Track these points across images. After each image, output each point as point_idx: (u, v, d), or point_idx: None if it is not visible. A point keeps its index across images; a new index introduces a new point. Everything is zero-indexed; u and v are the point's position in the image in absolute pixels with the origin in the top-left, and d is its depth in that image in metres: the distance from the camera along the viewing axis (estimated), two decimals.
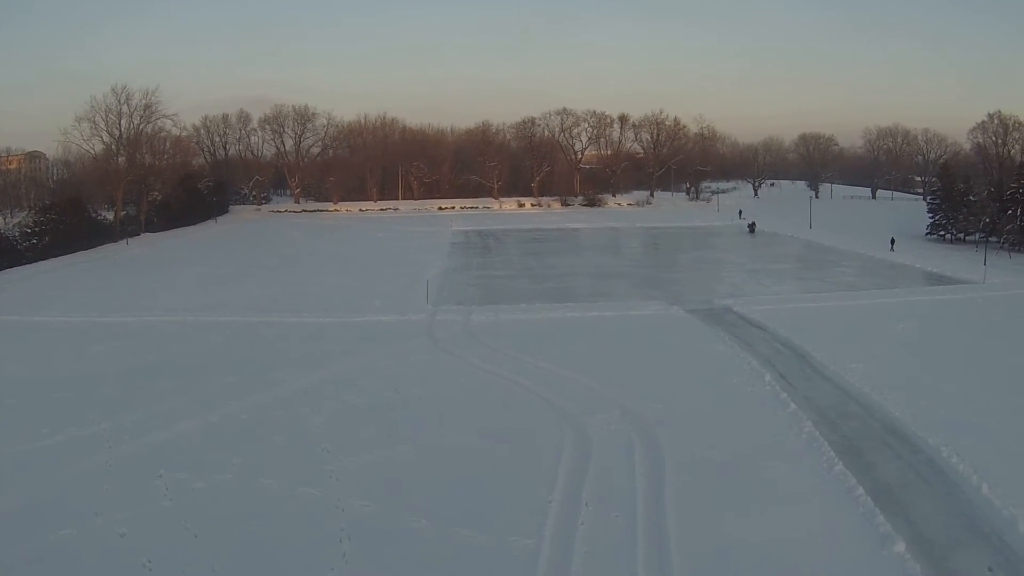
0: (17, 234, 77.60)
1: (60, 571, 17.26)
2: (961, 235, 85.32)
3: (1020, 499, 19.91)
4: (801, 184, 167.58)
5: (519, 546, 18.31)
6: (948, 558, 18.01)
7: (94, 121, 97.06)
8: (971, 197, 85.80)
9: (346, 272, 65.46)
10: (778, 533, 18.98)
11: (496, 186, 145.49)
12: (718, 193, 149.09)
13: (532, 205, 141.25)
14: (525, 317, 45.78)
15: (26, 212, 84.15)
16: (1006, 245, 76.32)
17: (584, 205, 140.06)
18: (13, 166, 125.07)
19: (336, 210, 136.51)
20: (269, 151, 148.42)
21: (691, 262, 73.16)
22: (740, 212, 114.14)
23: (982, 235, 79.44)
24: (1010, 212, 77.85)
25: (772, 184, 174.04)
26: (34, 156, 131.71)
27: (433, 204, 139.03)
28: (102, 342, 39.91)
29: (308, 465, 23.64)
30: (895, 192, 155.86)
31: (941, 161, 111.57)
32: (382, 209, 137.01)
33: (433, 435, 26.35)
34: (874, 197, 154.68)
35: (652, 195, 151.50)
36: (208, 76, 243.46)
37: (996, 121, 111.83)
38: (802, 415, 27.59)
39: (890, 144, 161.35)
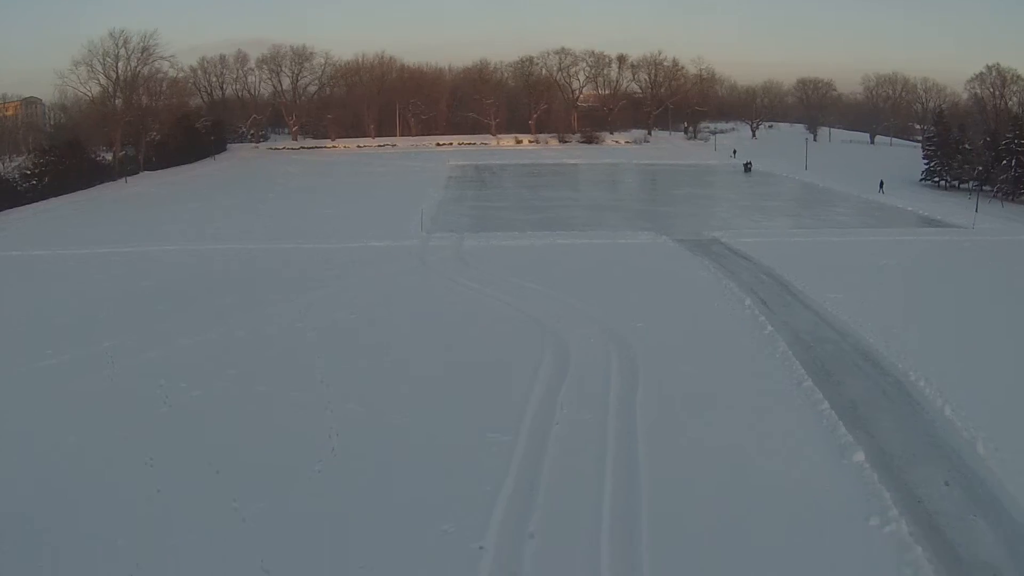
0: (17, 176, 77.68)
1: (65, 473, 18.05)
2: (955, 182, 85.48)
3: (981, 423, 20.41)
4: (799, 127, 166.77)
5: (497, 441, 19.33)
6: (906, 471, 18.58)
7: (91, 64, 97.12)
8: (966, 145, 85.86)
9: (342, 204, 65.99)
10: (740, 439, 19.84)
11: (494, 123, 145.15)
12: (716, 134, 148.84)
13: (530, 142, 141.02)
14: (516, 243, 46.63)
15: (24, 156, 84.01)
16: (999, 194, 76.61)
17: (582, 142, 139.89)
18: (9, 113, 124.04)
19: (334, 147, 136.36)
20: (266, 91, 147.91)
21: (684, 198, 73.74)
22: (735, 152, 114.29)
23: (975, 183, 79.69)
24: (1004, 162, 77.92)
25: (770, 126, 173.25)
26: (30, 102, 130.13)
27: (431, 141, 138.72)
28: (102, 271, 40.52)
29: (300, 374, 24.62)
30: (894, 139, 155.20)
31: (938, 109, 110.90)
32: (380, 146, 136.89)
33: (420, 346, 27.43)
34: (872, 142, 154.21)
35: (650, 134, 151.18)
36: (205, 20, 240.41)
37: (994, 73, 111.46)
38: (777, 337, 28.40)
39: (889, 92, 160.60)
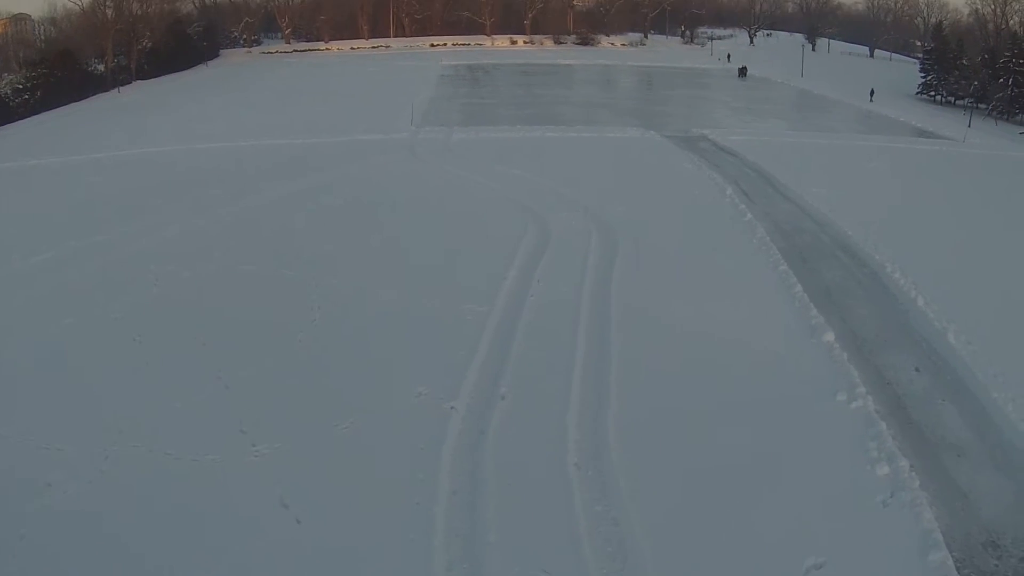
0: (9, 91, 76.43)
1: (63, 351, 18.45)
2: (951, 98, 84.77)
3: (955, 316, 20.55)
4: (799, 37, 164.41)
5: (472, 311, 19.80)
6: (876, 354, 18.94)
7: None
8: (964, 61, 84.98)
9: (334, 102, 65.07)
10: (712, 314, 20.24)
11: (488, 23, 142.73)
12: (713, 40, 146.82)
13: (525, 42, 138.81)
14: (505, 136, 46.52)
15: (16, 72, 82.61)
16: (993, 112, 76.24)
17: (577, 44, 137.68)
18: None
19: (327, 49, 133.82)
20: None
21: (676, 98, 73.22)
22: (728, 56, 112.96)
23: (971, 100, 79.08)
24: (1001, 80, 77.24)
25: (768, 34, 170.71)
26: (19, 18, 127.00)
27: (425, 41, 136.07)
28: (97, 174, 39.95)
29: (286, 253, 24.99)
30: (893, 54, 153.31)
31: (938, 22, 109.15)
32: (373, 47, 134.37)
33: (405, 225, 27.88)
34: (872, 56, 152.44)
35: (646, 37, 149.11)
36: None
37: None
38: (757, 224, 28.66)
39: (891, 4, 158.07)
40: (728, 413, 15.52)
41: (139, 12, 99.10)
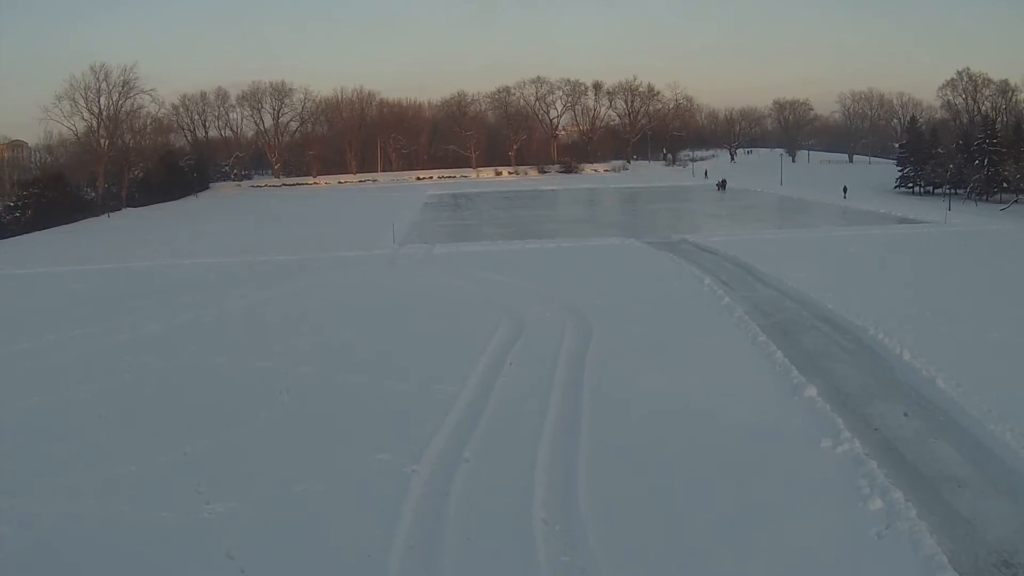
0: (0, 208, 77.93)
1: (30, 427, 18.39)
2: (929, 188, 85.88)
3: (943, 365, 20.11)
4: (779, 151, 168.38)
5: (442, 391, 19.32)
6: (862, 406, 18.44)
7: (73, 99, 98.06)
8: (939, 150, 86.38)
9: (318, 226, 66.16)
10: (688, 384, 19.68)
11: (474, 156, 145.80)
12: (695, 160, 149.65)
13: (509, 173, 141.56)
14: (485, 248, 46.67)
15: (9, 195, 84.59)
16: (972, 195, 77.11)
17: (561, 172, 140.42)
18: None
19: (316, 183, 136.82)
20: (249, 130, 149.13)
21: (656, 211, 74.04)
22: (706, 172, 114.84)
23: (949, 187, 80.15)
24: (977, 162, 78.36)
25: (749, 151, 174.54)
26: (16, 145, 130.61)
27: (411, 175, 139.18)
28: (82, 282, 40.53)
29: (260, 347, 24.83)
30: (873, 158, 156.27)
31: (910, 116, 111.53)
32: (361, 180, 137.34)
33: (379, 322, 27.75)
34: (851, 161, 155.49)
35: (629, 162, 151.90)
36: (183, 60, 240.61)
37: (965, 79, 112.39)
38: (735, 306, 28.33)
39: (866, 109, 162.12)
40: (708, 473, 14.81)
41: (132, 144, 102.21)
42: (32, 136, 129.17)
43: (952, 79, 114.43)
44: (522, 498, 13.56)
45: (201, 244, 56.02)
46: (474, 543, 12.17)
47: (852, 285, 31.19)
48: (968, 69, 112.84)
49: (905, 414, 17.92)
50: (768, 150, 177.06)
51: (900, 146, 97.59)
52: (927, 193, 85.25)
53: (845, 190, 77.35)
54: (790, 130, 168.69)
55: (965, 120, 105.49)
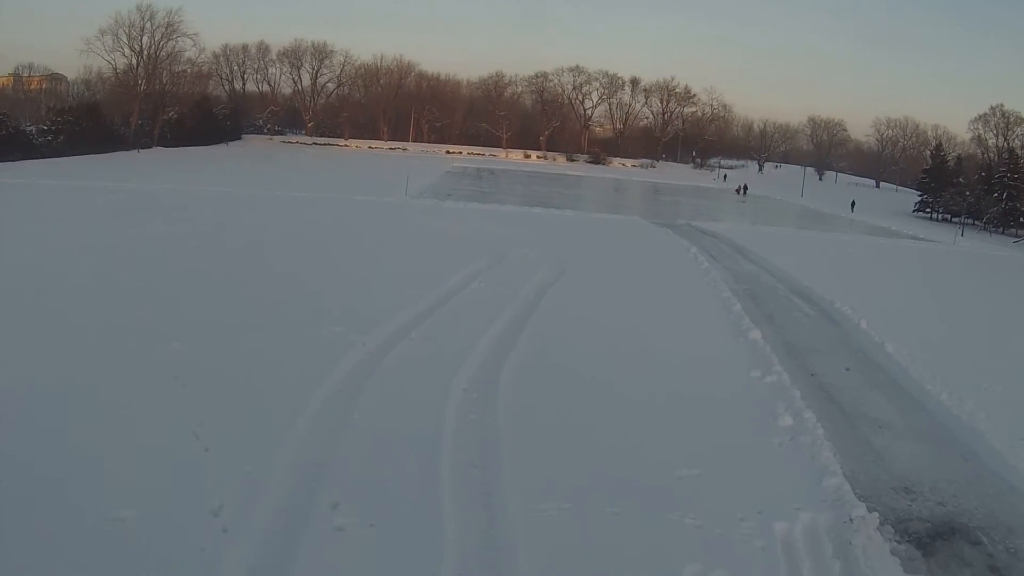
0: (33, 130, 79.22)
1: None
2: (948, 216, 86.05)
3: (897, 336, 20.39)
4: (808, 169, 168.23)
5: (412, 293, 20.34)
6: (807, 356, 18.85)
7: (116, 35, 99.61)
8: (960, 179, 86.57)
9: (338, 176, 67.82)
10: (640, 320, 20.38)
11: (505, 136, 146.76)
12: (723, 168, 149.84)
13: (538, 157, 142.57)
14: (493, 209, 47.79)
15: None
16: (988, 226, 77.36)
17: (589, 162, 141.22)
18: (34, 86, 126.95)
19: (347, 145, 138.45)
20: (286, 87, 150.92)
21: (669, 202, 74.83)
22: (725, 176, 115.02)
23: (965, 216, 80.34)
24: (996, 195, 78.63)
25: (777, 166, 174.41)
26: (55, 78, 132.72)
27: (441, 148, 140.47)
28: (102, 197, 41.04)
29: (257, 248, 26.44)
30: (900, 186, 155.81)
31: (937, 142, 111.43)
32: (391, 148, 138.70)
33: (372, 241, 29.74)
34: (878, 186, 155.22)
35: (657, 161, 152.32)
36: (228, 15, 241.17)
37: (998, 115, 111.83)
38: (714, 272, 29.11)
39: (899, 136, 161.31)
40: (632, 370, 15.65)
41: (169, 87, 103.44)
42: (72, 71, 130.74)
43: (984, 114, 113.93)
44: (451, 371, 14.41)
45: (222, 178, 57.19)
46: (393, 397, 13.03)
47: (836, 273, 31.61)
48: (1002, 105, 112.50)
49: (847, 368, 18.26)
50: (798, 167, 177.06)
51: (923, 171, 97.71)
52: (944, 220, 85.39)
53: (853, 204, 77.73)
54: (822, 149, 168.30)
55: (993, 155, 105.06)
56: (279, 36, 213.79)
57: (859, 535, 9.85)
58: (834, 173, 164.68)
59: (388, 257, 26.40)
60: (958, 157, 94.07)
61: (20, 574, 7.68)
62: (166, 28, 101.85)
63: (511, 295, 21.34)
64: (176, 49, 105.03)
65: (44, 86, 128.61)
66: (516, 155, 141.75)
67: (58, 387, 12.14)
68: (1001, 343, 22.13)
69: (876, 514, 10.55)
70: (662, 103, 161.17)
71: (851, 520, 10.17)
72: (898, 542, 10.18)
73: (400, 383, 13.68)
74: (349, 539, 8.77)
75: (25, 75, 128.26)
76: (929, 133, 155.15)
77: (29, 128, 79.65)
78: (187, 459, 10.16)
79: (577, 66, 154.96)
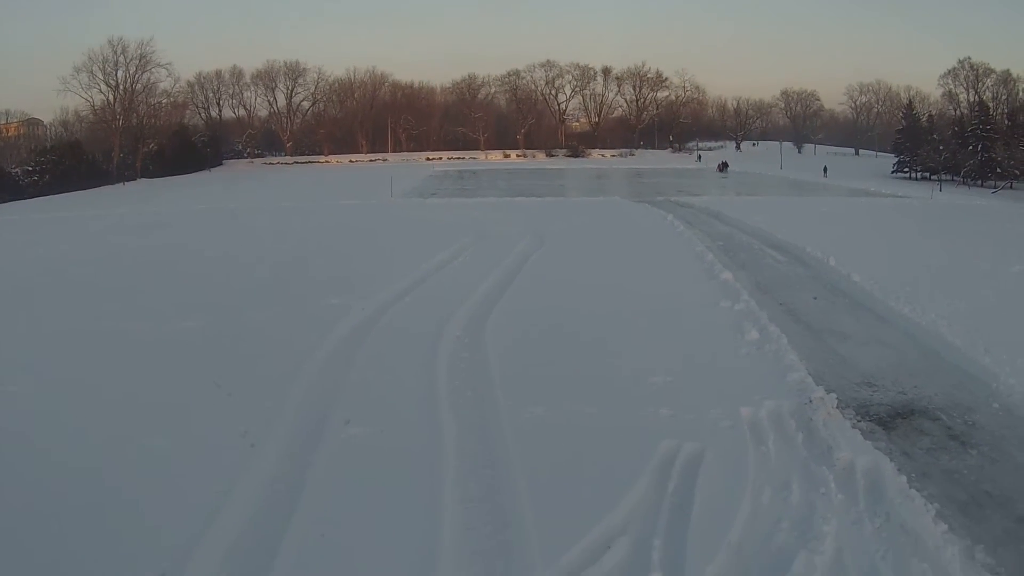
0: (19, 172, 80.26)
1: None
2: (926, 174, 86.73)
3: (864, 269, 21.34)
4: (787, 144, 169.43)
5: (403, 268, 21.71)
6: (775, 291, 19.95)
7: (91, 71, 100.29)
8: (934, 135, 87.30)
9: (322, 187, 69.20)
10: (619, 276, 21.47)
11: (483, 138, 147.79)
12: (701, 150, 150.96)
13: (518, 156, 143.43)
14: (476, 201, 49.01)
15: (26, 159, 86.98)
16: (966, 180, 78.15)
17: (568, 156, 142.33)
18: (11, 132, 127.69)
19: (327, 161, 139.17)
20: (262, 109, 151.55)
21: (649, 183, 75.61)
22: (699, 156, 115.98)
23: (946, 173, 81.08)
24: (971, 148, 79.24)
25: (755, 144, 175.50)
26: (32, 122, 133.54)
27: (421, 155, 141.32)
28: (99, 223, 42.11)
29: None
30: (879, 152, 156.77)
31: (908, 101, 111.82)
32: (371, 160, 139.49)
33: (362, 232, 31.54)
34: (857, 154, 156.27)
35: (636, 148, 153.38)
36: (199, 43, 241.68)
37: (967, 68, 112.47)
38: (689, 233, 30.40)
39: (873, 102, 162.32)
40: (605, 311, 16.88)
41: (147, 119, 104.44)
42: (47, 114, 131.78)
43: (953, 68, 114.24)
44: (443, 323, 15.68)
45: (209, 199, 57.91)
46: (393, 340, 14.33)
47: (808, 227, 32.32)
48: (969, 58, 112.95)
49: (815, 297, 19.38)
50: (776, 143, 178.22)
51: (897, 132, 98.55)
52: (923, 179, 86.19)
53: (825, 170, 78.77)
54: (797, 122, 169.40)
55: (965, 109, 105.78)
56: (251, 59, 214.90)
57: (819, 412, 11.03)
58: (812, 146, 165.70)
59: (378, 243, 28.16)
60: (930, 115, 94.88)
61: (82, 482, 8.93)
62: (140, 60, 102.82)
63: (495, 264, 22.68)
64: (151, 81, 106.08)
65: (22, 131, 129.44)
66: (495, 156, 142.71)
67: (87, 361, 13.65)
68: (968, 269, 22.95)
69: (834, 395, 11.79)
70: (635, 90, 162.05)
71: (811, 401, 11.40)
72: (859, 420, 11.32)
73: (399, 331, 15.10)
74: (362, 443, 10.06)
75: (2, 122, 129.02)
76: (902, 95, 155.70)
77: (14, 170, 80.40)
78: (212, 403, 11.41)
79: (548, 60, 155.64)
